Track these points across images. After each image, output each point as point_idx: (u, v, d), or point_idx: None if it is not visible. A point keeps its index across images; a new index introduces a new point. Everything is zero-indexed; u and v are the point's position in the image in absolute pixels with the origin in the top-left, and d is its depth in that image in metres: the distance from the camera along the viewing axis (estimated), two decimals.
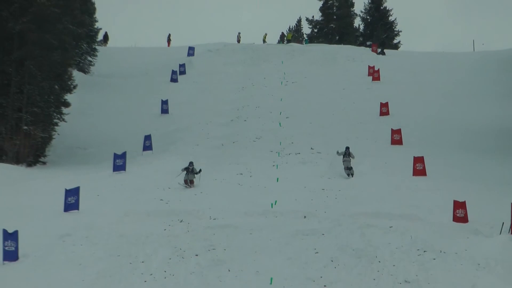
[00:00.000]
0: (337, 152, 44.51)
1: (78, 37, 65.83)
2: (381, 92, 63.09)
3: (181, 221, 31.00)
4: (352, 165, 42.96)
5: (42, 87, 52.70)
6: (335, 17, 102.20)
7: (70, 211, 34.72)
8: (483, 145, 50.09)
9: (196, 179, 40.68)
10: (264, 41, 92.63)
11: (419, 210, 33.67)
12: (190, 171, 40.60)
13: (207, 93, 65.67)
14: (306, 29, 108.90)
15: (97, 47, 78.74)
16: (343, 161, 43.45)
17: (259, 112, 59.28)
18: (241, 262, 27.29)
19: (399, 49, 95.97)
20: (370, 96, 62.72)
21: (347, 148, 44.08)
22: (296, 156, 47.65)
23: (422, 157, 43.42)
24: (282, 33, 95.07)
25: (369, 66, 71.56)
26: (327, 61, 76.40)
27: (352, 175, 42.46)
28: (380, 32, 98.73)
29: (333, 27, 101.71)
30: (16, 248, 27.88)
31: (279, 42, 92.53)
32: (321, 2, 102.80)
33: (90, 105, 62.50)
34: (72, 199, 35.14)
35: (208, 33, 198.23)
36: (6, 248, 27.80)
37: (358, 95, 63.71)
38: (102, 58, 77.22)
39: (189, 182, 40.26)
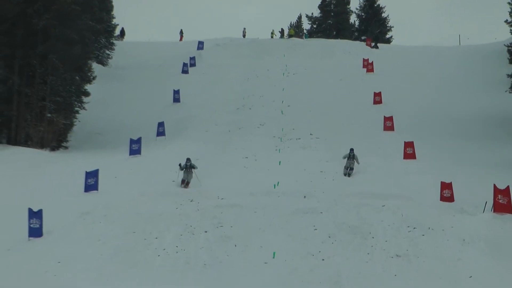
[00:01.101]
0: (343, 157, 40.27)
1: (97, 33, 65.66)
2: (374, 82, 62.94)
3: (191, 201, 30.99)
4: (353, 167, 39.63)
5: (64, 78, 52.69)
6: (332, 14, 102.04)
7: (90, 192, 34.78)
8: (468, 131, 50.02)
9: (194, 178, 36.97)
10: (272, 36, 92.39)
11: (409, 191, 33.64)
12: (188, 167, 37.12)
13: (215, 83, 65.53)
14: (306, 25, 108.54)
15: (114, 41, 78.74)
16: (345, 162, 39.81)
17: (263, 101, 59.14)
18: (246, 238, 27.30)
19: (391, 43, 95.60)
20: (365, 86, 62.57)
21: (351, 150, 40.10)
22: (297, 141, 47.58)
23: (412, 142, 43.40)
24: (282, 29, 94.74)
25: (363, 59, 71.34)
26: (325, 54, 76.15)
27: (350, 175, 39.03)
28: (374, 28, 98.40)
29: (330, 23, 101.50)
30: (41, 225, 27.92)
31: (281, 37, 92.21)
32: (320, 0, 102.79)
33: (108, 94, 62.45)
34: (91, 181, 35.19)
35: (216, 28, 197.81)
36: (31, 225, 27.84)
37: (354, 86, 63.56)
38: (119, 51, 77.18)
39: (185, 183, 36.47)
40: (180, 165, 37.01)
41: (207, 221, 28.63)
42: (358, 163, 39.71)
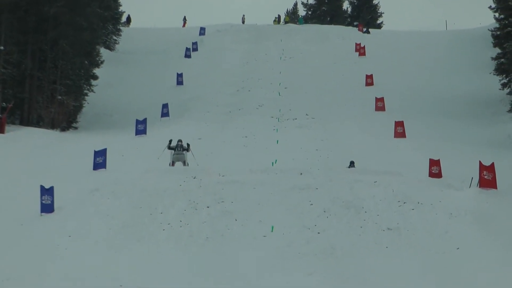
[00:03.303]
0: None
1: (104, 19, 65.52)
2: (366, 65, 62.85)
3: (194, 178, 30.82)
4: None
5: (73, 62, 52.60)
6: (326, 0, 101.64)
7: (99, 170, 34.66)
8: (455, 111, 50.00)
9: (189, 159, 34.59)
10: (278, 22, 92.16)
11: (399, 167, 33.46)
12: (179, 147, 34.28)
13: (216, 67, 65.38)
14: (302, 12, 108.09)
15: (121, 28, 78.44)
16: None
17: (261, 84, 59.06)
18: (246, 212, 27.20)
19: (382, 29, 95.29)
20: (357, 69, 62.50)
21: (352, 162, 35.09)
22: (294, 121, 47.52)
23: (402, 121, 43.35)
24: (279, 15, 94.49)
25: (356, 43, 71.25)
26: (320, 39, 75.91)
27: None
28: (365, 14, 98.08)
29: (325, 9, 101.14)
30: (52, 201, 27.82)
31: (278, 22, 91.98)
32: None
33: (115, 78, 62.31)
34: (100, 159, 35.08)
35: (217, 15, 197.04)
36: (43, 201, 27.74)
37: (347, 69, 63.47)
38: (125, 37, 76.92)
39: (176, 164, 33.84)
40: (169, 142, 34.52)
41: (209, 196, 28.52)
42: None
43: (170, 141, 34.56)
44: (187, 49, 71.12)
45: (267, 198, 28.45)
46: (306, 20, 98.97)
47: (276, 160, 35.48)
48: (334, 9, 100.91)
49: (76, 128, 51.92)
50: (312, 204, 27.67)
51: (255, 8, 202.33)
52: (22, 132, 44.63)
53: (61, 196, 28.13)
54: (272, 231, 25.86)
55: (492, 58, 54.00)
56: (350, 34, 78.21)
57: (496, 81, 52.28)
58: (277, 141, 41.41)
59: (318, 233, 25.56)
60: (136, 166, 34.44)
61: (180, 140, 34.51)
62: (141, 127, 44.24)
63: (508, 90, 50.72)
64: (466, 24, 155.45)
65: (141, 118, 44.79)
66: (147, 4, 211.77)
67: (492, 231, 25.03)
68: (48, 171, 33.93)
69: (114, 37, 75.93)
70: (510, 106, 49.49)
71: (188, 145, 34.61)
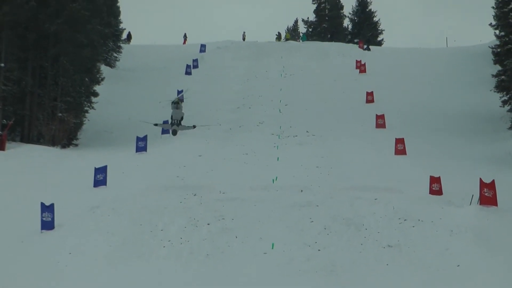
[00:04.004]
0: None
1: (105, 36, 65.60)
2: (367, 82, 62.97)
3: (194, 195, 30.94)
4: None
5: (74, 79, 52.67)
6: (327, 18, 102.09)
7: (99, 186, 34.74)
8: (456, 127, 50.05)
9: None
10: (280, 39, 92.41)
11: (400, 184, 33.57)
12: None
13: (217, 84, 65.52)
14: (302, 29, 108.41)
15: (121, 45, 78.60)
16: None
17: (262, 100, 59.17)
18: (246, 229, 27.27)
19: (382, 46, 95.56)
20: (358, 86, 62.59)
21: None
22: (294, 138, 47.56)
23: (403, 138, 43.41)
24: (279, 32, 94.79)
25: (356, 61, 71.40)
26: (320, 56, 76.12)
27: None
28: (366, 31, 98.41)
29: (325, 26, 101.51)
30: (52, 218, 27.90)
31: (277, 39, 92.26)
32: (315, 5, 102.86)
33: (115, 95, 62.35)
34: (100, 176, 35.16)
35: (217, 32, 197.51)
36: (44, 218, 27.82)
37: (347, 86, 63.57)
38: (126, 54, 77.08)
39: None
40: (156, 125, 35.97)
41: (209, 213, 28.60)
42: None
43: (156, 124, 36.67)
44: (188, 66, 71.27)
45: (267, 215, 28.52)
46: (307, 37, 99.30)
47: (276, 177, 35.54)
48: (334, 26, 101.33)
49: (76, 145, 51.95)
50: (312, 221, 27.74)
51: (255, 25, 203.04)
52: (23, 149, 44.67)
53: (62, 213, 28.21)
54: (272, 248, 25.91)
55: (493, 75, 54.14)
56: (350, 51, 78.43)
57: (497, 98, 52.41)
58: (278, 158, 41.46)
59: (319, 250, 25.62)
60: (137, 183, 34.51)
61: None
62: (141, 144, 44.36)
63: (509, 107, 50.75)
64: (467, 41, 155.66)
65: (141, 135, 44.88)
66: (148, 21, 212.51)
67: (492, 249, 25.06)
68: (49, 188, 34.01)
69: (115, 54, 76.09)
70: (510, 123, 49.47)
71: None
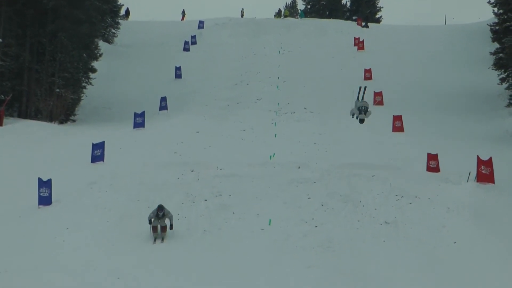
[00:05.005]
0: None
1: (103, 12, 65.12)
2: (365, 60, 62.70)
3: (192, 171, 30.86)
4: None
5: (72, 55, 52.45)
6: None
7: (97, 162, 34.64)
8: (453, 105, 49.92)
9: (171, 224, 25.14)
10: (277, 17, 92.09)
11: (397, 161, 33.55)
12: (160, 217, 24.89)
13: (215, 61, 65.25)
14: (301, 6, 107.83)
15: (119, 21, 78.21)
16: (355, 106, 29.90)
17: (260, 77, 58.93)
18: (244, 206, 27.28)
19: (380, 23, 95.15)
20: (356, 63, 62.34)
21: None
22: (292, 115, 47.44)
23: (401, 115, 43.32)
24: (280, 9, 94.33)
25: (354, 38, 71.08)
26: (319, 33, 75.73)
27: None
28: (364, 8, 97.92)
29: (323, 3, 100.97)
30: (50, 194, 27.90)
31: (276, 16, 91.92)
32: None
33: (113, 71, 62.14)
34: (98, 152, 35.07)
35: (216, 9, 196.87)
36: (41, 194, 27.82)
37: (345, 63, 63.33)
38: (124, 30, 76.70)
39: (159, 230, 24.87)
40: (150, 221, 25.00)
41: (206, 190, 28.57)
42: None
43: (150, 219, 25.06)
44: (186, 43, 70.99)
45: (264, 191, 28.49)
46: (305, 14, 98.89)
47: (274, 154, 35.46)
48: (333, 3, 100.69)
49: (74, 121, 51.81)
50: (310, 198, 27.72)
51: (254, 2, 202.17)
52: (20, 125, 44.56)
53: (59, 189, 28.19)
54: (269, 224, 25.92)
55: (491, 53, 53.91)
56: (349, 29, 78.04)
57: (495, 75, 52.22)
58: (275, 134, 41.36)
59: (316, 226, 25.62)
60: (134, 159, 34.41)
61: (161, 208, 25.07)
62: (139, 120, 44.17)
63: (507, 85, 50.58)
64: (465, 19, 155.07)
65: (139, 111, 44.72)
66: None
67: (489, 225, 25.11)
68: (46, 163, 33.90)
69: (113, 30, 75.68)
70: (508, 101, 49.45)
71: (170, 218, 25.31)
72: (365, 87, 28.71)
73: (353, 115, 28.58)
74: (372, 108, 48.72)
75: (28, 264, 22.77)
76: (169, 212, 24.97)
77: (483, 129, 43.44)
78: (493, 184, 29.06)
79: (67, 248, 24.15)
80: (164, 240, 24.77)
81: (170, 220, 25.01)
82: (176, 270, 22.62)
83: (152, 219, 24.89)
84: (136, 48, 71.87)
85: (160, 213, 24.84)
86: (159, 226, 24.77)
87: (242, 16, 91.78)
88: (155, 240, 24.66)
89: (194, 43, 72.24)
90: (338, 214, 26.44)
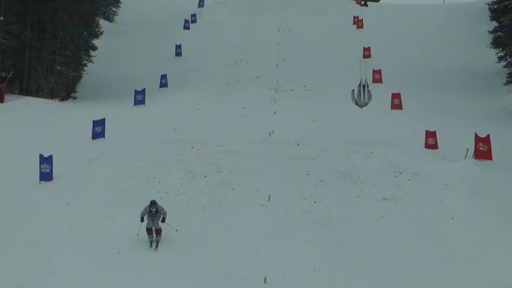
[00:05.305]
0: (352, 93, 32.19)
1: None
2: (364, 38, 62.56)
3: (192, 148, 30.76)
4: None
5: (73, 33, 52.37)
6: None
7: (97, 139, 34.50)
8: (453, 84, 49.81)
9: (165, 224, 22.86)
10: None
11: (396, 139, 33.39)
12: (154, 214, 22.69)
13: (215, 39, 65.09)
14: None
15: None
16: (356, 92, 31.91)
17: (259, 55, 58.82)
18: (243, 182, 27.20)
19: (380, 2, 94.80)
20: (355, 41, 62.21)
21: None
22: (291, 93, 47.34)
23: (399, 93, 43.22)
24: None
25: (354, 16, 70.90)
26: (318, 12, 75.51)
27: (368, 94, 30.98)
28: None
29: None
30: (51, 170, 27.79)
31: None
32: None
33: (114, 49, 61.98)
34: (99, 129, 34.92)
35: None
36: (42, 170, 27.71)
37: (344, 41, 63.18)
38: (125, 8, 76.51)
39: (153, 232, 22.71)
40: (142, 218, 22.79)
41: (206, 166, 28.47)
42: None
43: (142, 217, 22.88)
44: (186, 21, 70.82)
45: (264, 168, 28.40)
46: None
47: (273, 131, 35.35)
48: None
49: (75, 98, 51.74)
50: (308, 174, 27.64)
51: None
52: (21, 102, 44.45)
53: (60, 165, 28.08)
54: (269, 200, 25.86)
55: (489, 32, 53.83)
56: (348, 7, 77.78)
57: (493, 54, 52.09)
58: (275, 112, 41.24)
59: (315, 202, 25.56)
60: (135, 136, 34.30)
61: (153, 203, 22.84)
62: (139, 98, 44.07)
63: (505, 63, 50.58)
64: None
65: (139, 89, 44.60)
66: None
67: (486, 202, 25.05)
68: (47, 140, 33.75)
69: (114, 9, 75.46)
70: (506, 79, 49.43)
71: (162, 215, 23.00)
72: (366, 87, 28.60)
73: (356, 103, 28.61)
74: (371, 85, 49.08)
75: (29, 239, 22.73)
76: (162, 209, 22.64)
77: (481, 107, 43.35)
78: (490, 161, 28.98)
79: (68, 223, 24.09)
80: (159, 245, 22.48)
81: (163, 215, 22.61)
82: (176, 246, 22.60)
83: (145, 216, 22.56)
84: (137, 26, 71.72)
85: (152, 209, 22.47)
86: (153, 229, 22.42)
87: None
88: (151, 244, 22.45)
89: (194, 21, 72.10)
90: (337, 190, 26.36)
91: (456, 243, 22.50)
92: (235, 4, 79.21)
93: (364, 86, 30.81)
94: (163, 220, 22.65)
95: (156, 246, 22.51)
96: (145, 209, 22.65)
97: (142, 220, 22.64)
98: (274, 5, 78.30)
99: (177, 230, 22.34)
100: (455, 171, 27.53)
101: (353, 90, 30.74)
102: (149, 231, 22.46)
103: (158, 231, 22.53)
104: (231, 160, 29.15)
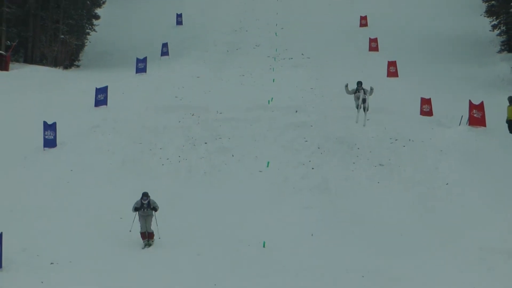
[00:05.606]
0: (346, 88, 29.44)
1: None
2: (360, 7, 62.04)
3: (192, 115, 30.55)
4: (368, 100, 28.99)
5: (76, 2, 52.13)
6: None
7: (100, 106, 34.37)
8: (446, 52, 49.45)
9: (154, 223, 20.71)
10: None
11: (391, 105, 33.16)
12: (146, 208, 20.58)
13: (215, 7, 64.60)
14: None
15: None
16: (355, 99, 29.23)
17: (258, 24, 58.47)
18: (242, 149, 27.08)
19: None
20: (352, 10, 61.76)
21: (359, 83, 29.33)
22: (289, 61, 47.08)
23: (395, 61, 43.01)
24: None
25: None
26: None
27: (366, 108, 28.68)
28: None
29: None
30: (55, 137, 27.68)
31: None
32: None
33: (116, 17, 61.50)
34: (101, 96, 34.77)
35: None
36: (46, 136, 27.60)
37: (342, 10, 62.68)
38: None
39: (147, 236, 20.67)
40: (135, 208, 20.69)
41: (207, 133, 28.32)
42: (370, 94, 29.12)
43: (135, 207, 20.77)
44: None
45: (263, 135, 28.25)
46: None
47: (272, 98, 35.16)
48: None
49: (78, 66, 51.58)
50: (306, 141, 27.48)
51: None
52: (26, 70, 44.30)
53: (64, 132, 27.97)
54: (267, 166, 25.77)
55: (483, 1, 53.50)
56: None
57: (487, 22, 51.77)
58: (273, 79, 41.03)
59: (313, 168, 25.47)
60: (136, 103, 34.16)
61: (146, 195, 20.75)
62: (141, 66, 43.87)
63: (498, 32, 50.43)
64: None
65: (141, 57, 44.39)
66: None
67: (480, 167, 24.95)
68: (51, 107, 33.64)
69: None
70: (499, 47, 49.25)
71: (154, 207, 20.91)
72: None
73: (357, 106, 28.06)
74: (367, 53, 48.83)
75: (33, 203, 22.71)
76: (154, 202, 20.59)
77: (476, 75, 43.10)
78: (484, 127, 28.77)
79: (71, 188, 24.07)
80: (151, 248, 20.58)
81: (155, 208, 20.64)
82: (177, 211, 22.58)
83: (137, 215, 20.60)
84: None
85: (144, 201, 20.44)
86: (146, 233, 20.55)
87: None
88: (144, 247, 20.57)
89: None
90: (334, 156, 26.23)
91: (451, 207, 22.47)
92: None
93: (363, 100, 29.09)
94: (155, 209, 20.57)
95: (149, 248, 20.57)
96: (136, 203, 20.57)
97: (134, 210, 20.54)
98: None
99: (159, 238, 20.40)
100: (450, 137, 27.37)
101: (346, 85, 29.07)
102: (143, 235, 20.52)
103: (151, 235, 20.61)
104: (231, 127, 28.98)
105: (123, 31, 58.73)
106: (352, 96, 29.43)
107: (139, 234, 20.44)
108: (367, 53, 49.58)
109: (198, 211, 22.74)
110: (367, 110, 28.73)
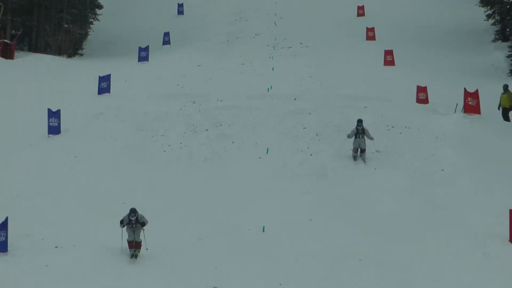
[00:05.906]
0: (348, 136, 25.37)
1: None
2: None
3: (194, 102, 30.48)
4: (366, 147, 25.17)
5: None
6: None
7: (103, 94, 34.30)
8: (442, 40, 49.28)
9: (143, 236, 18.95)
10: None
11: (388, 94, 33.04)
12: (134, 224, 18.80)
13: None
14: None
15: None
16: (354, 142, 25.22)
17: (258, 14, 58.22)
18: (242, 135, 27.06)
19: None
20: (349, 0, 61.41)
21: (359, 122, 25.28)
22: (288, 50, 46.87)
23: (392, 50, 42.78)
24: None
25: None
26: None
27: (364, 159, 25.07)
28: None
29: None
30: (59, 124, 27.66)
31: None
32: None
33: (119, 7, 61.26)
34: (104, 84, 34.70)
35: None
36: (50, 123, 27.58)
37: (339, 0, 62.43)
38: None
39: (134, 245, 18.93)
40: (121, 222, 18.92)
41: (207, 120, 28.28)
42: (371, 138, 25.18)
43: (121, 221, 18.97)
44: None
45: (262, 122, 28.21)
46: None
47: (271, 86, 35.05)
48: None
49: (81, 55, 51.40)
50: (305, 128, 27.44)
51: None
52: (31, 58, 44.15)
53: (67, 119, 27.96)
54: (267, 153, 25.74)
55: None
56: None
57: (481, 12, 51.59)
58: (273, 68, 40.87)
59: (311, 155, 25.42)
60: (139, 91, 34.07)
61: (133, 212, 18.80)
62: (143, 54, 43.76)
63: (493, 21, 50.28)
64: None
65: (143, 46, 44.27)
66: None
67: (474, 154, 24.94)
68: (55, 95, 33.58)
69: None
70: (494, 37, 49.11)
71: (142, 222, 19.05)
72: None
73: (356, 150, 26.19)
74: (365, 43, 48.64)
75: (37, 189, 22.68)
76: (143, 217, 18.87)
77: (471, 63, 43.02)
78: (479, 115, 28.70)
79: (75, 174, 24.03)
80: (138, 258, 18.80)
81: (143, 223, 18.86)
82: (179, 196, 22.57)
83: (125, 228, 18.88)
84: None
85: (132, 217, 18.69)
86: (134, 242, 18.86)
87: None
88: (131, 257, 18.85)
89: None
90: (332, 143, 26.20)
91: (446, 193, 22.48)
92: None
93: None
94: (143, 225, 18.83)
95: (136, 258, 18.83)
96: (124, 218, 18.85)
97: (121, 223, 18.85)
98: None
99: (147, 249, 18.81)
100: (445, 124, 27.34)
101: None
102: (130, 244, 18.89)
103: (138, 244, 18.90)
104: (231, 114, 28.93)
105: (126, 20, 58.50)
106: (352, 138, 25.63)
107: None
108: (364, 42, 49.39)
109: (199, 196, 22.71)
110: (364, 153, 25.35)
